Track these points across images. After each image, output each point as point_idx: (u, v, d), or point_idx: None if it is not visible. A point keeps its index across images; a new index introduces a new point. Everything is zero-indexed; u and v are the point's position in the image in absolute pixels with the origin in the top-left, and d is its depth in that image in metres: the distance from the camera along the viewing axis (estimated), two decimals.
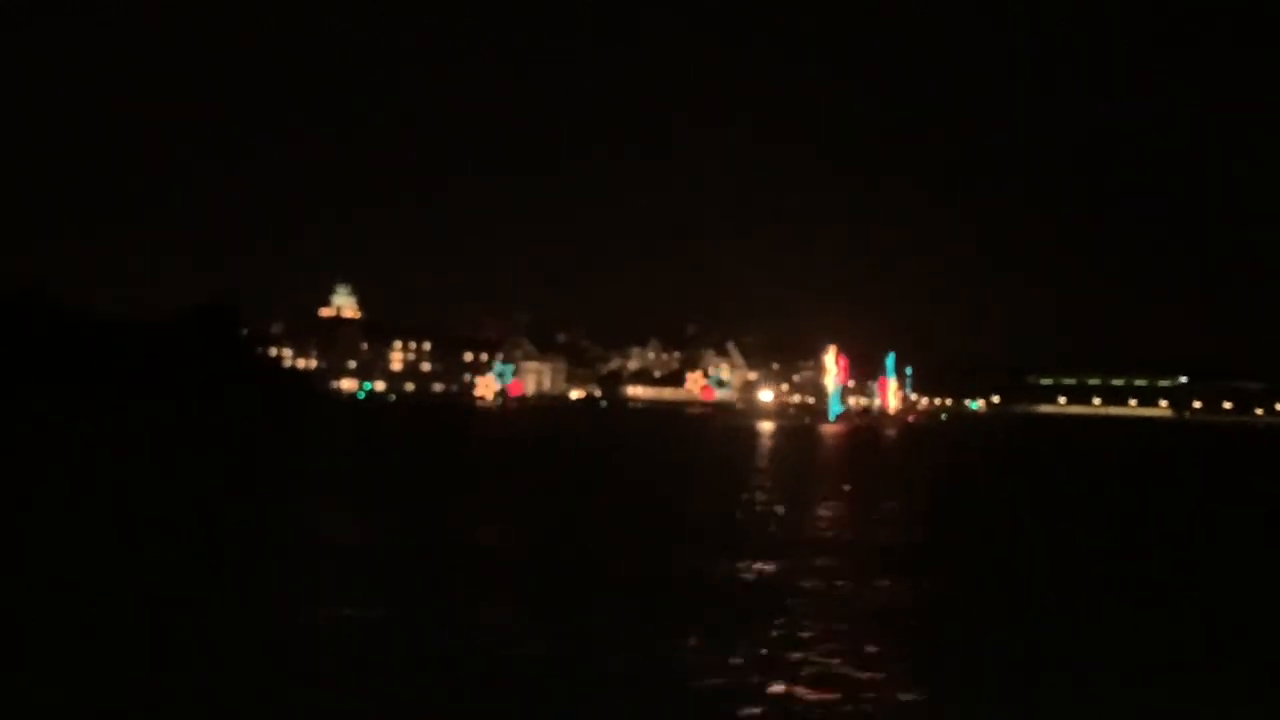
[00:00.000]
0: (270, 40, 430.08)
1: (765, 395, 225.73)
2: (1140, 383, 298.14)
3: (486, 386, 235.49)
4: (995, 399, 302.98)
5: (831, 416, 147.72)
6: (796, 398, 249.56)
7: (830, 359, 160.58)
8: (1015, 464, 61.92)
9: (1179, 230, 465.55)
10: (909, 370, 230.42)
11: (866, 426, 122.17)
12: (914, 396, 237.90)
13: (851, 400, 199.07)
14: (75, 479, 33.14)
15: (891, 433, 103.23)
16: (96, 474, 35.37)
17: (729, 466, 48.81)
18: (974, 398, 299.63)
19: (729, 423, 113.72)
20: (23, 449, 46.01)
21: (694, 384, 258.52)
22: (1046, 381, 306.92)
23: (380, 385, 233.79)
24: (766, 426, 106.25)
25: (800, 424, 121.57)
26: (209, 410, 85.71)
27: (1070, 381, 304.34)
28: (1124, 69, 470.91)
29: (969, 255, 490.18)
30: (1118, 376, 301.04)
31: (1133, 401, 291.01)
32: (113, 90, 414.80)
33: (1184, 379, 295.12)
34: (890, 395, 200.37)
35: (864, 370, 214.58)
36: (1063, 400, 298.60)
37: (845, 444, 76.27)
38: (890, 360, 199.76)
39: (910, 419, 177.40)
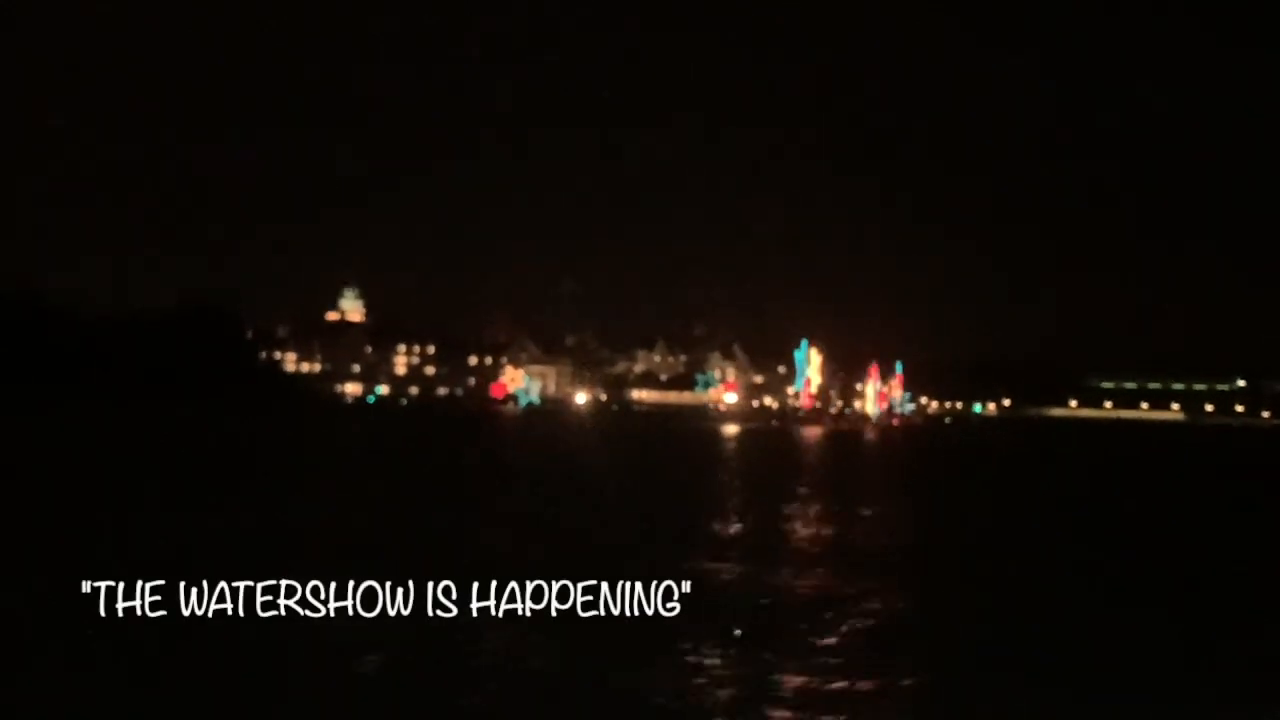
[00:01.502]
0: (278, 39, 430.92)
1: (730, 397, 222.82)
2: (1199, 387, 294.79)
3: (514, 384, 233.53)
4: (1006, 402, 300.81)
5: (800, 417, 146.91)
6: (767, 399, 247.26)
7: (803, 358, 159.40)
8: (982, 467, 61.41)
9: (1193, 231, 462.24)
10: (898, 370, 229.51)
11: (845, 430, 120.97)
12: (901, 398, 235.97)
13: (829, 403, 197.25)
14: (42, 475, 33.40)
15: (871, 436, 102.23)
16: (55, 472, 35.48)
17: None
18: (983, 401, 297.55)
19: (692, 426, 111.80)
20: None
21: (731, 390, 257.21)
22: (1108, 384, 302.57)
23: (384, 389, 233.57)
24: (731, 430, 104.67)
25: (768, 427, 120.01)
26: (189, 411, 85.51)
27: (1136, 386, 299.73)
28: (1183, 59, 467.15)
29: (983, 256, 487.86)
30: (1155, 379, 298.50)
31: (1144, 405, 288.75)
32: (117, 89, 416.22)
33: (1241, 382, 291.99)
34: (872, 398, 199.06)
35: (854, 372, 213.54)
36: (1074, 404, 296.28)
37: (811, 448, 75.38)
38: (874, 362, 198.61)
39: (895, 422, 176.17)
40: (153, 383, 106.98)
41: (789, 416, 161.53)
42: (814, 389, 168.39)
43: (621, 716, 11.94)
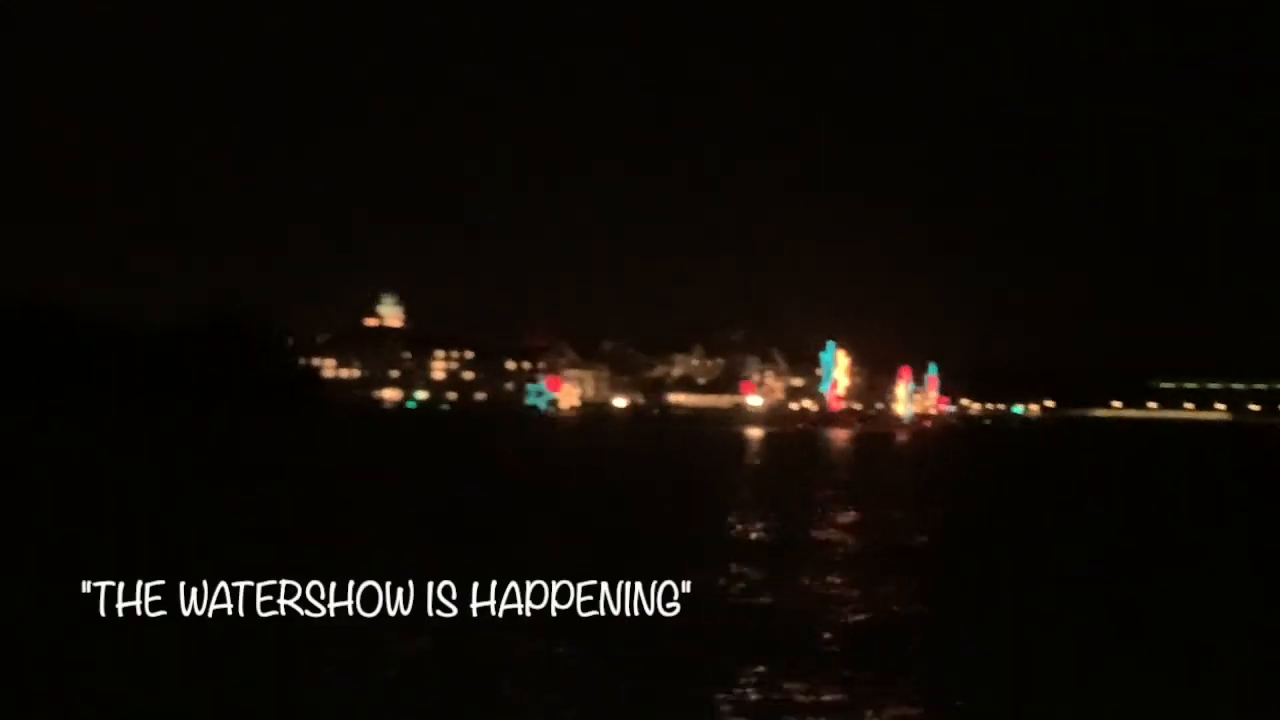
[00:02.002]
0: (323, 48, 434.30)
1: (754, 400, 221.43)
2: (1237, 386, 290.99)
3: (568, 394, 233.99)
4: (1049, 404, 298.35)
5: (831, 420, 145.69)
6: (806, 403, 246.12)
7: (830, 360, 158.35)
8: (1008, 468, 60.67)
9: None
10: (931, 371, 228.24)
11: (874, 432, 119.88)
12: (935, 400, 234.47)
13: (857, 405, 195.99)
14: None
15: (903, 438, 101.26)
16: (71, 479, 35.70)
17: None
18: (1025, 403, 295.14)
19: (711, 431, 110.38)
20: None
21: (749, 392, 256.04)
22: (1168, 385, 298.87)
23: (422, 394, 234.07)
24: (755, 434, 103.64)
25: (794, 430, 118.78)
26: (217, 418, 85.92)
27: (1194, 385, 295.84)
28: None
29: (1026, 258, 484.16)
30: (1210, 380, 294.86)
31: (1189, 405, 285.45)
32: (164, 99, 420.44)
33: None
34: (903, 399, 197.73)
35: (887, 374, 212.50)
36: (1117, 405, 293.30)
37: (834, 450, 74.71)
38: (904, 364, 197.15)
39: (928, 424, 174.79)
40: (184, 390, 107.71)
41: (815, 419, 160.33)
42: (841, 391, 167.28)
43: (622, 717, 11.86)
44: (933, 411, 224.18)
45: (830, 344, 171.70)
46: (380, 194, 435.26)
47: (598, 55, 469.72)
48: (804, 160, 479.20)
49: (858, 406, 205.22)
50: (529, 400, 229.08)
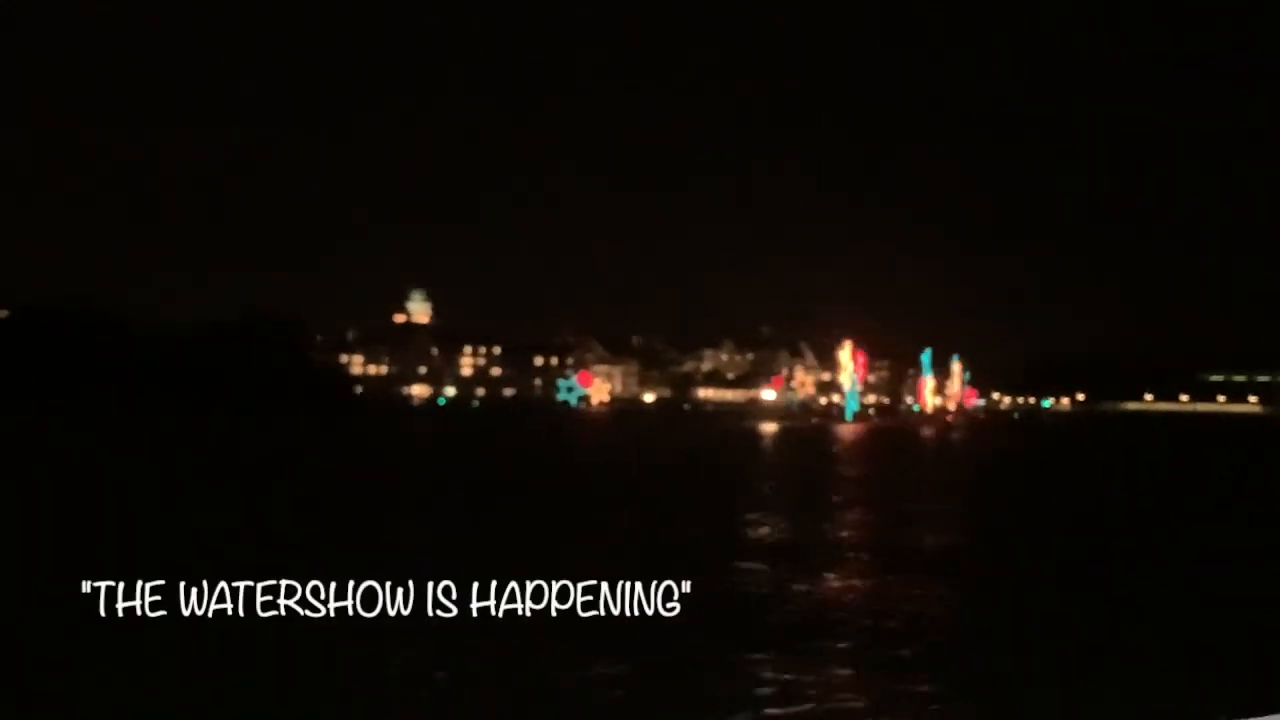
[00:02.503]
0: (345, 49, 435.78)
1: (769, 394, 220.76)
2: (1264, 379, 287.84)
3: (599, 390, 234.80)
4: (1080, 397, 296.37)
5: (849, 416, 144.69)
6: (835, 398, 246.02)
7: (846, 355, 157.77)
8: (1032, 463, 60.30)
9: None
10: (954, 365, 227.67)
11: (893, 427, 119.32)
12: (960, 393, 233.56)
13: (873, 398, 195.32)
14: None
15: (927, 433, 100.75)
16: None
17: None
18: (1054, 396, 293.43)
19: (725, 426, 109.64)
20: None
21: (779, 387, 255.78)
22: (1217, 377, 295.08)
23: (450, 390, 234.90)
24: (769, 429, 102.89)
25: (808, 425, 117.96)
26: (235, 419, 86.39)
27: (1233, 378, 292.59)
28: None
29: (1056, 252, 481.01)
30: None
31: (1221, 398, 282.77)
32: (187, 97, 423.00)
33: None
34: (927, 393, 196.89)
35: (905, 368, 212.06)
36: (1149, 398, 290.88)
37: (850, 446, 74.42)
38: (927, 357, 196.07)
39: (950, 418, 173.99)
40: (205, 392, 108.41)
41: (831, 414, 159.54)
42: (848, 388, 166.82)
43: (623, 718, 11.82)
44: (953, 406, 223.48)
45: (847, 344, 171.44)
46: (410, 191, 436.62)
47: (626, 52, 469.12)
48: (832, 157, 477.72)
49: (876, 401, 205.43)
50: (560, 396, 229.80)
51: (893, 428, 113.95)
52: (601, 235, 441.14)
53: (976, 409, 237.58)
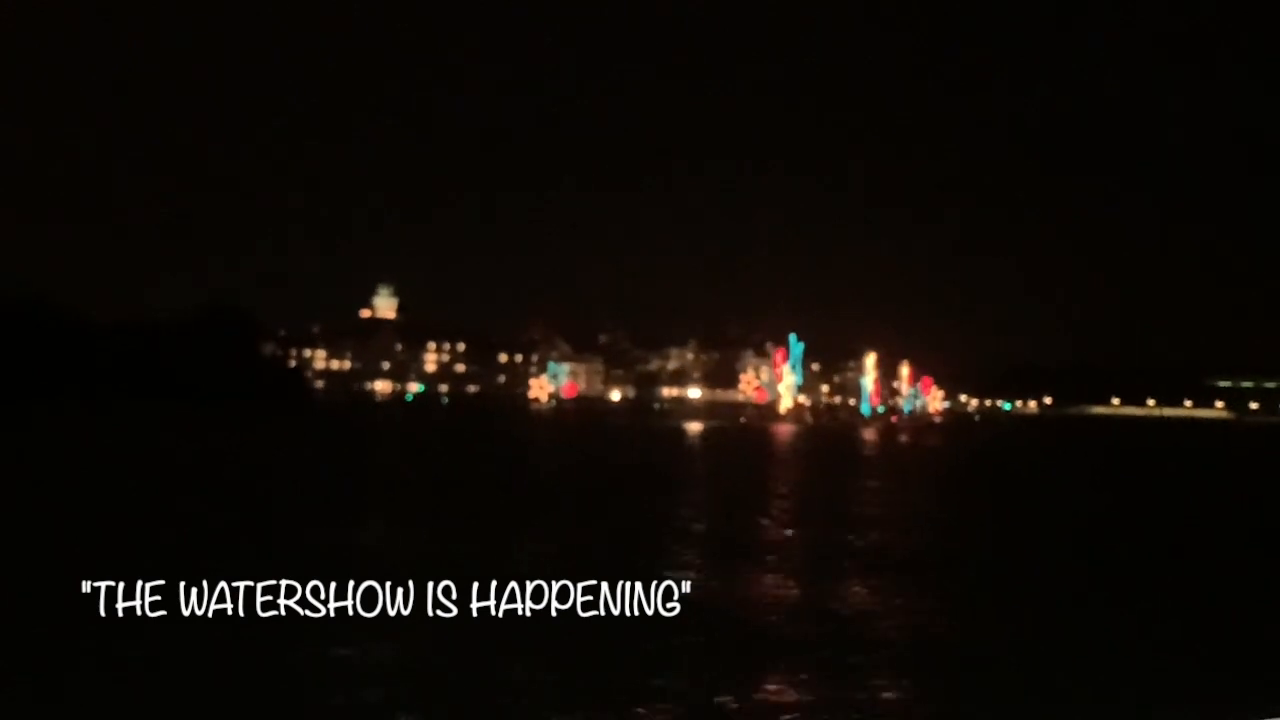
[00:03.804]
0: (312, 42, 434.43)
1: (694, 393, 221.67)
2: (1246, 384, 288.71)
3: (540, 388, 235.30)
4: (1048, 400, 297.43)
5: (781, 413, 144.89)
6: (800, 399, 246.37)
7: (798, 354, 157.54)
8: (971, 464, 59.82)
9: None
10: (903, 368, 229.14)
11: (829, 427, 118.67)
12: (909, 395, 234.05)
13: (804, 398, 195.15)
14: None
15: (868, 435, 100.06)
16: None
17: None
18: (1023, 399, 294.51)
19: (652, 425, 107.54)
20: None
21: (747, 385, 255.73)
22: (1226, 384, 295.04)
23: (414, 386, 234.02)
24: (693, 428, 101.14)
25: (735, 425, 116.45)
26: (184, 416, 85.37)
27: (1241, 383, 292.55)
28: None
29: (1024, 256, 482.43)
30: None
31: (1188, 403, 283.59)
32: (157, 95, 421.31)
33: None
34: (866, 395, 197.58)
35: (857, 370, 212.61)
36: (1116, 401, 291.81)
37: (775, 447, 73.67)
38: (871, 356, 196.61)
39: (894, 419, 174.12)
40: (154, 388, 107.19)
41: (761, 413, 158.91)
42: (790, 385, 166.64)
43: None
44: (911, 407, 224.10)
45: (791, 337, 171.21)
46: (381, 187, 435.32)
47: (600, 51, 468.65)
48: (802, 157, 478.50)
49: (827, 400, 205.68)
50: (531, 393, 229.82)
51: (829, 429, 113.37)
52: (569, 234, 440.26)
53: (932, 411, 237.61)
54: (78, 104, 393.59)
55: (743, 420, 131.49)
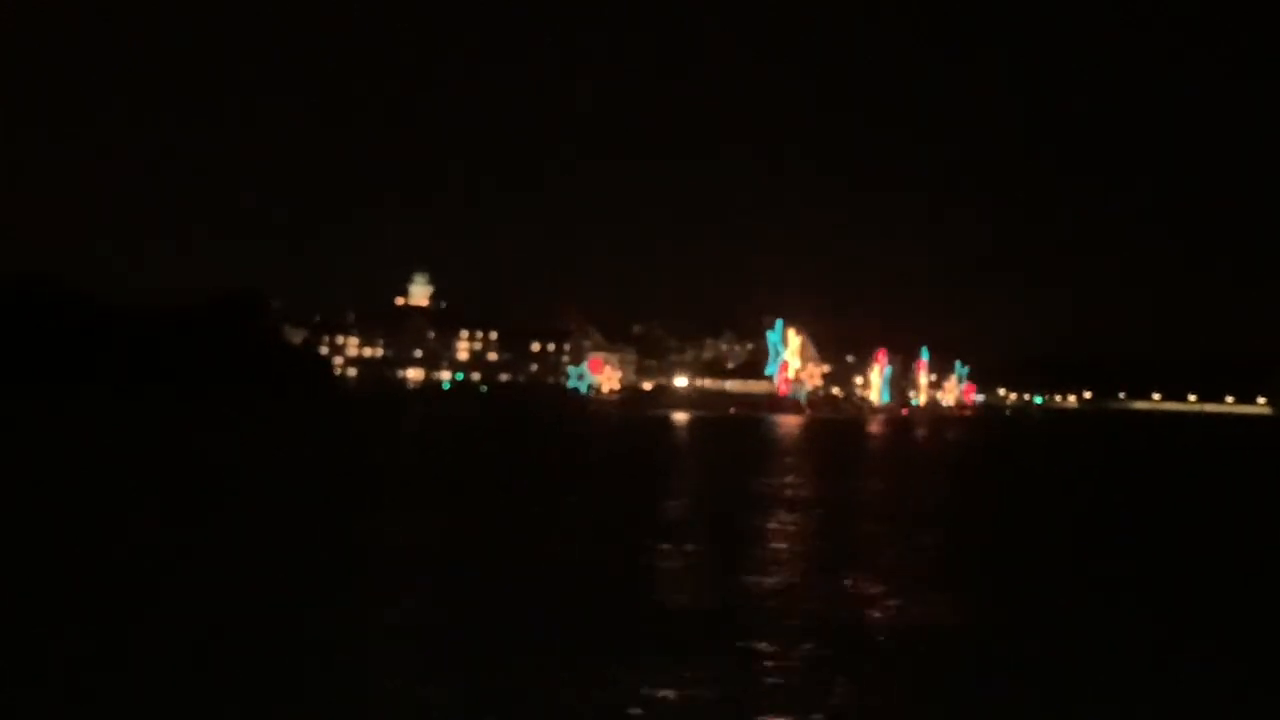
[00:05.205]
0: (345, 34, 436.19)
1: (680, 381, 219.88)
2: None
3: (609, 378, 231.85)
4: (1087, 395, 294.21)
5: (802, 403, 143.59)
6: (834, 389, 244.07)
7: (778, 339, 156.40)
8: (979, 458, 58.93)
9: None
10: (919, 361, 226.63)
11: (835, 419, 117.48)
12: (923, 386, 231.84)
13: (815, 388, 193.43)
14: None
15: (875, 428, 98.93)
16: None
17: None
18: (1062, 394, 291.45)
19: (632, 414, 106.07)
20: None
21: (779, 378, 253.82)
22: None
23: (446, 374, 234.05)
24: (680, 418, 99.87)
25: (725, 415, 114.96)
26: (194, 401, 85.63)
27: None
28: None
29: (1066, 249, 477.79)
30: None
31: (1229, 398, 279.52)
32: (197, 79, 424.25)
33: None
34: (877, 386, 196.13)
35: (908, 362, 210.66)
36: (1156, 396, 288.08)
37: (770, 439, 72.84)
38: (881, 349, 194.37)
39: (905, 412, 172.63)
40: (169, 373, 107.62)
41: (760, 404, 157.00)
42: (791, 373, 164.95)
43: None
44: (915, 400, 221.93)
45: (779, 323, 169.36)
46: (420, 175, 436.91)
47: (626, 41, 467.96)
48: (836, 154, 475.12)
49: (829, 391, 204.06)
50: (570, 383, 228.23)
51: (834, 420, 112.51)
52: (604, 221, 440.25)
53: (966, 405, 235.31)
54: (112, 88, 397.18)
55: (733, 411, 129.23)
